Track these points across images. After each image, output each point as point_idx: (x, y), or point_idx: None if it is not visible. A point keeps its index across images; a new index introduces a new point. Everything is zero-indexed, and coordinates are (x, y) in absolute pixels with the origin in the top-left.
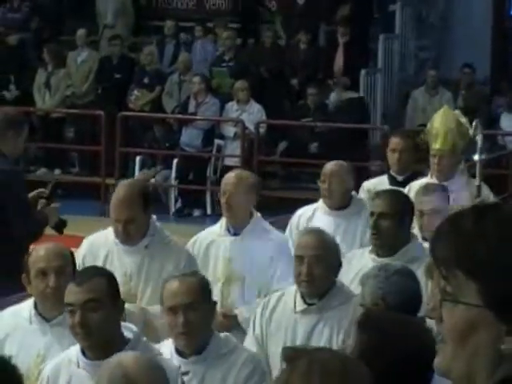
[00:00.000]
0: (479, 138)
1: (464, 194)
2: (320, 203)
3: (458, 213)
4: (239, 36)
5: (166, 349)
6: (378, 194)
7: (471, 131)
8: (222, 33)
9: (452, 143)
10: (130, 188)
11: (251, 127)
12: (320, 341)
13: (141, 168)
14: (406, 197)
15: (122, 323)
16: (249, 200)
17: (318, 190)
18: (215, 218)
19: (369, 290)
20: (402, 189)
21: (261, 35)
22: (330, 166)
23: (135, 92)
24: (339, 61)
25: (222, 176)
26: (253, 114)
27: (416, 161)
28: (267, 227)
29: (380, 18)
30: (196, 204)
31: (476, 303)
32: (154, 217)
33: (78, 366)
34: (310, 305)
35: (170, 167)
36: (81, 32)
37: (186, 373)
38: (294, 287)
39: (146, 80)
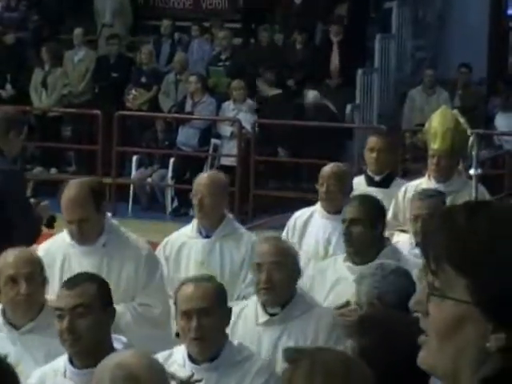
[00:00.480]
0: (475, 154)
1: (462, 195)
2: (318, 206)
3: (450, 208)
4: (239, 36)
5: (179, 354)
6: (350, 200)
7: (469, 147)
8: (219, 32)
9: (451, 143)
10: (79, 187)
11: (248, 127)
12: None
13: (138, 167)
14: (378, 201)
15: (112, 335)
16: (221, 201)
17: (316, 192)
18: None
19: (365, 289)
20: (384, 189)
21: (258, 35)
22: (328, 168)
23: (133, 91)
24: (335, 60)
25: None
26: (249, 113)
27: (393, 161)
28: (239, 229)
29: (377, 17)
30: (192, 204)
31: (464, 299)
32: (109, 214)
33: (65, 376)
34: (272, 315)
35: (166, 166)
36: (78, 31)
37: (199, 380)
38: (255, 299)
39: (143, 79)
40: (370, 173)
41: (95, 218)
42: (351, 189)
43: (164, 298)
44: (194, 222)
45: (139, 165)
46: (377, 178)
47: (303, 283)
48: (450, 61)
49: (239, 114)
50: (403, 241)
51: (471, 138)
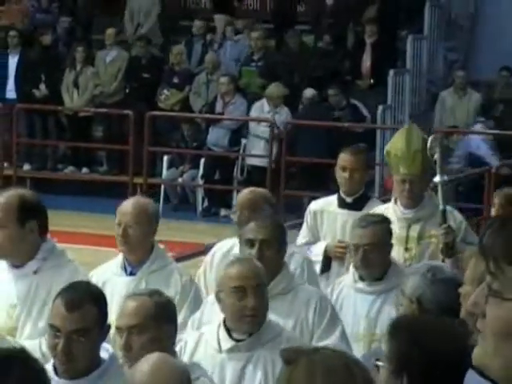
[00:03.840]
0: (438, 157)
1: (435, 221)
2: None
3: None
4: (272, 36)
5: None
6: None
7: (428, 150)
8: (251, 33)
9: (421, 166)
10: (11, 193)
11: (280, 127)
12: (253, 382)
13: (168, 167)
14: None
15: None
16: (148, 232)
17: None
18: None
19: (410, 284)
20: (356, 212)
21: (288, 36)
22: (243, 194)
23: (165, 91)
24: (367, 61)
25: (249, 176)
26: (282, 115)
27: (366, 179)
28: (170, 264)
29: (408, 18)
30: (222, 203)
31: None
32: (52, 240)
33: None
34: (237, 341)
35: (197, 167)
36: (110, 31)
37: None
38: (215, 325)
39: (175, 80)
40: (342, 194)
41: (14, 232)
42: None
43: None
44: (119, 257)
45: (170, 165)
46: (348, 200)
47: None
48: (481, 62)
49: (274, 115)
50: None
51: (429, 141)
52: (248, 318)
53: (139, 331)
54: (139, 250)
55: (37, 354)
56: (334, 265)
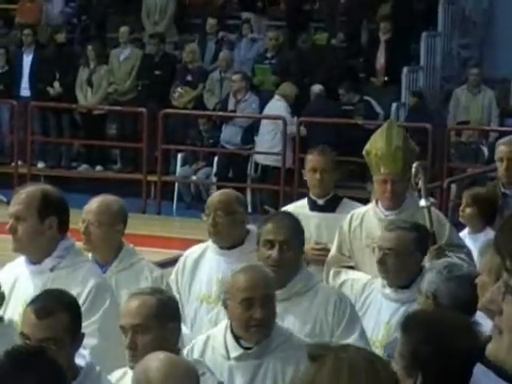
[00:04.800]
0: (422, 183)
1: (418, 221)
2: (210, 242)
3: None
4: (286, 34)
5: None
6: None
7: (413, 178)
8: (265, 31)
9: (402, 164)
10: (34, 188)
11: (293, 125)
12: None
13: (182, 165)
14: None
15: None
16: (113, 231)
17: (365, 189)
18: (256, 216)
19: (427, 279)
20: (329, 214)
21: (301, 34)
22: (215, 196)
23: (179, 89)
24: (381, 58)
25: (262, 174)
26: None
27: (337, 180)
28: (140, 261)
29: (422, 15)
30: None
31: None
32: (72, 239)
33: None
34: (245, 349)
35: (211, 164)
36: (124, 29)
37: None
38: (221, 330)
39: (188, 77)
40: (312, 196)
41: (34, 226)
42: (243, 218)
43: (100, 339)
44: (89, 256)
45: (184, 163)
46: (320, 202)
47: None
48: (495, 60)
49: (285, 112)
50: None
51: (414, 168)
52: (254, 328)
53: (143, 330)
54: (103, 248)
55: None
56: (311, 268)
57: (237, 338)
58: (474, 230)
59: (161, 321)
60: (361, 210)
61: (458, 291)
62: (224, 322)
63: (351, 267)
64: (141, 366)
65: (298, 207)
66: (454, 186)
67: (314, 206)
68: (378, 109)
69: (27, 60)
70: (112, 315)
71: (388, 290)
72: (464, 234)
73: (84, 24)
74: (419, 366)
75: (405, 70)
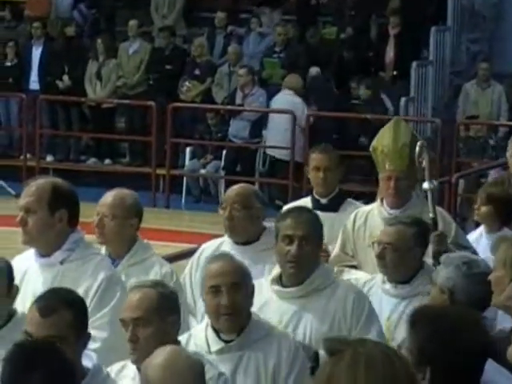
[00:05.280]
0: (426, 163)
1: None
2: (226, 237)
3: None
4: (295, 28)
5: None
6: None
7: (417, 157)
8: (274, 24)
9: (409, 161)
10: (44, 180)
11: (302, 119)
12: (246, 382)
13: (191, 159)
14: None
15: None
16: (127, 224)
17: (369, 182)
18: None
19: (444, 274)
20: (332, 214)
21: (310, 29)
22: (232, 189)
23: (187, 83)
24: (390, 53)
25: (270, 167)
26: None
27: (340, 179)
28: (151, 257)
29: (432, 9)
30: None
31: None
32: (82, 233)
33: None
34: (226, 342)
35: (220, 158)
36: (132, 23)
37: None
38: (202, 326)
39: (197, 71)
40: (316, 195)
41: (44, 219)
42: (260, 214)
43: (110, 332)
44: (103, 249)
45: (192, 156)
46: (323, 201)
47: None
48: (505, 54)
49: (294, 106)
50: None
51: (418, 147)
52: (224, 317)
53: (144, 323)
54: (116, 241)
55: None
56: None
57: (217, 333)
58: (490, 229)
59: (161, 314)
60: (365, 208)
61: (475, 288)
62: (205, 320)
63: (354, 266)
64: (146, 361)
65: (301, 205)
66: (462, 181)
67: (317, 205)
68: (389, 104)
69: (36, 53)
70: (122, 307)
71: (388, 286)
72: (480, 232)
73: (93, 18)
74: (427, 362)
75: (414, 64)
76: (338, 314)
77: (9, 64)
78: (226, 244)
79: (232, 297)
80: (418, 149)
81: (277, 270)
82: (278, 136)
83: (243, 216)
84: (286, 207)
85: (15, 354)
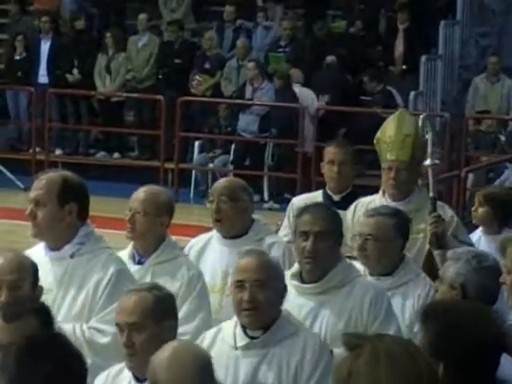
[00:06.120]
0: (429, 139)
1: (423, 213)
2: (215, 231)
3: None
4: (302, 22)
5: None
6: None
7: (420, 129)
8: (280, 19)
9: (411, 152)
10: (54, 173)
11: (311, 112)
12: (267, 380)
13: (200, 153)
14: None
15: None
16: (157, 222)
17: (379, 177)
18: (272, 204)
19: (454, 270)
20: (342, 211)
21: (317, 21)
22: (219, 182)
23: (196, 77)
24: (399, 47)
25: (279, 162)
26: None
27: (355, 176)
28: (180, 256)
29: (441, 3)
30: (253, 189)
31: None
32: (92, 226)
33: None
34: (252, 338)
35: (228, 152)
36: (142, 16)
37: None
38: (232, 321)
39: (207, 65)
40: (329, 190)
41: (53, 212)
42: (247, 206)
43: None
44: (130, 245)
45: (201, 150)
46: (336, 198)
47: None
48: None
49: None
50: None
51: (421, 120)
52: (245, 312)
53: (139, 329)
54: (145, 238)
55: (71, 338)
56: None
57: (244, 328)
58: (488, 231)
59: (157, 318)
60: (366, 199)
61: (487, 282)
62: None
63: (351, 257)
64: (153, 355)
65: (311, 199)
66: (471, 176)
67: (328, 201)
68: (399, 100)
69: (45, 47)
70: None
71: (370, 279)
72: (479, 235)
73: (102, 11)
74: (439, 357)
75: (423, 58)
76: (354, 311)
77: (18, 57)
78: (215, 238)
79: (254, 293)
80: (421, 121)
81: (297, 265)
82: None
83: (230, 208)
84: (295, 199)
85: (22, 346)
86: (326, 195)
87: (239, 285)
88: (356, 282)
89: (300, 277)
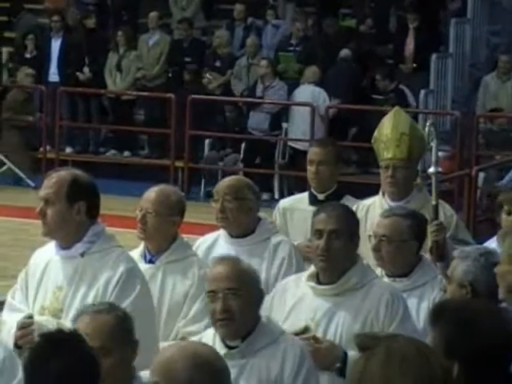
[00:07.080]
0: (434, 146)
1: (425, 214)
2: (222, 230)
3: None
4: (312, 21)
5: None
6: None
7: (425, 136)
8: (291, 18)
9: (407, 151)
10: (65, 172)
11: (322, 111)
12: None
13: (210, 151)
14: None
15: None
16: (169, 222)
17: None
18: None
19: (463, 268)
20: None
21: (327, 20)
22: (224, 181)
23: (207, 75)
24: (410, 45)
25: (290, 160)
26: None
27: (338, 174)
28: (191, 256)
29: (451, 2)
30: (264, 188)
31: None
32: (103, 225)
33: None
34: (231, 348)
35: (238, 151)
36: (153, 15)
37: None
38: (212, 329)
39: (217, 63)
40: (313, 190)
41: (63, 210)
42: (252, 205)
43: None
44: (142, 244)
45: (211, 149)
46: (320, 197)
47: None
48: None
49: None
50: None
51: (427, 127)
52: (219, 322)
53: (105, 353)
54: (157, 238)
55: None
56: (305, 265)
57: (222, 337)
58: None
59: (121, 340)
60: (367, 201)
61: (496, 279)
62: None
63: None
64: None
65: (297, 200)
66: (482, 174)
67: (314, 201)
68: (411, 99)
69: (55, 45)
70: (142, 301)
71: (386, 280)
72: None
73: (114, 10)
74: (454, 356)
75: (434, 56)
76: (371, 314)
77: (28, 56)
78: (222, 237)
79: (227, 303)
80: (427, 129)
81: (313, 267)
82: (300, 128)
83: (235, 207)
84: (281, 202)
85: (37, 344)
86: (311, 195)
87: (212, 295)
88: (373, 284)
89: (317, 278)
